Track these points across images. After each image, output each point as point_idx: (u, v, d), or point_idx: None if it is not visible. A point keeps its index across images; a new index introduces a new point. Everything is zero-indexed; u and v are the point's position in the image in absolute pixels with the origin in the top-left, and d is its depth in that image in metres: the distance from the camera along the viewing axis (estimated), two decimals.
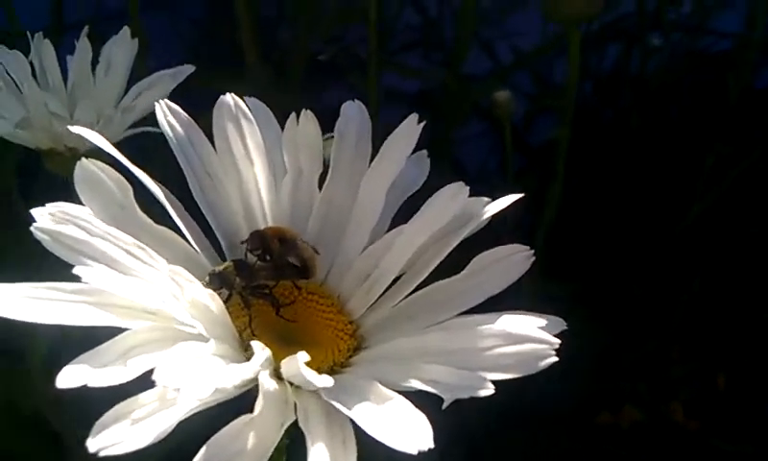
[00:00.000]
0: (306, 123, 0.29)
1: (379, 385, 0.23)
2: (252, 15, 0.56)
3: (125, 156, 0.26)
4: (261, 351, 0.23)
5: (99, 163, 0.26)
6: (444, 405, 0.22)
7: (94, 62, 0.40)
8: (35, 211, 0.24)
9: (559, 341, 0.23)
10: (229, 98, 0.28)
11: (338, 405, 0.22)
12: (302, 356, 0.23)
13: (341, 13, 0.68)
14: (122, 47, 0.40)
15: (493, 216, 0.27)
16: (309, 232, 0.29)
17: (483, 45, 0.75)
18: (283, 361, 0.23)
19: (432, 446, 0.21)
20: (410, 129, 0.28)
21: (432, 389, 0.23)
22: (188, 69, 0.40)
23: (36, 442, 0.38)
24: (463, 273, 0.27)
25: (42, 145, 0.39)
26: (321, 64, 0.71)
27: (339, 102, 0.29)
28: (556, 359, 0.23)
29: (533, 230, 0.52)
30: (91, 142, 0.26)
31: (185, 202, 0.27)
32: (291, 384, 0.24)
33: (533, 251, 0.26)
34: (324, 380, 0.23)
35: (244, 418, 0.22)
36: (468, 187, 0.27)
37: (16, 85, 0.38)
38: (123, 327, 0.23)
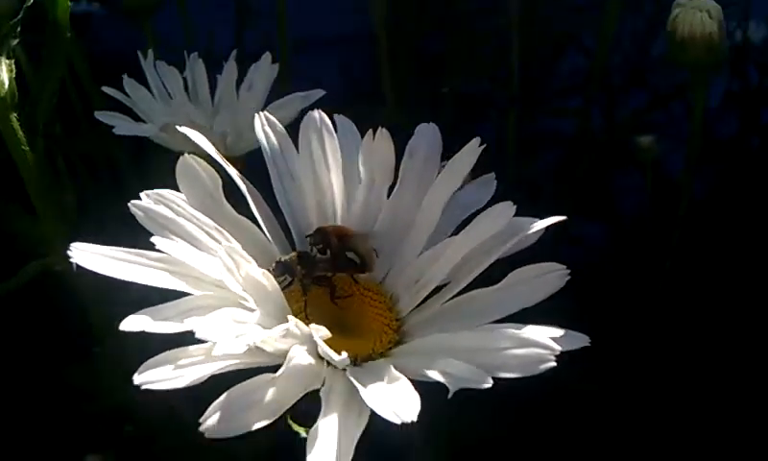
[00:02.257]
0: (381, 139, 0.32)
1: (393, 369, 0.26)
2: (396, 64, 0.61)
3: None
4: (295, 325, 0.26)
5: (197, 159, 0.31)
6: (450, 394, 0.24)
7: (240, 83, 0.46)
8: (142, 194, 0.29)
9: (559, 348, 0.24)
10: (317, 113, 0.32)
11: (353, 379, 0.25)
12: (322, 332, 0.26)
13: (494, 56, 0.71)
14: (263, 71, 0.46)
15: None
16: (375, 235, 0.32)
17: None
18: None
19: (414, 419, 0.23)
20: (471, 151, 0.31)
21: (442, 379, 0.25)
22: (318, 93, 0.44)
23: None
24: (500, 284, 0.29)
25: (186, 149, 0.45)
26: (471, 104, 0.74)
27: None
28: (554, 364, 0.24)
29: None
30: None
31: (267, 200, 0.32)
32: (329, 363, 0.27)
33: (568, 270, 0.28)
34: (340, 358, 0.25)
35: (267, 376, 0.25)
36: (515, 207, 0.29)
37: (168, 95, 0.44)
38: (190, 292, 0.27)
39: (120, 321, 0.25)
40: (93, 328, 0.42)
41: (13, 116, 0.38)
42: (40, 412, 0.40)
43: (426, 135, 0.32)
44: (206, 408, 0.24)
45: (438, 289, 0.30)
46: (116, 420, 0.44)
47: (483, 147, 0.30)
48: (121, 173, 0.57)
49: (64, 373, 0.43)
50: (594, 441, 0.46)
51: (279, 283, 0.29)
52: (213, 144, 0.43)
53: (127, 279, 0.27)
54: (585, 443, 0.46)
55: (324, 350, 0.26)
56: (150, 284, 0.27)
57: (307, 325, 0.29)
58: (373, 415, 0.24)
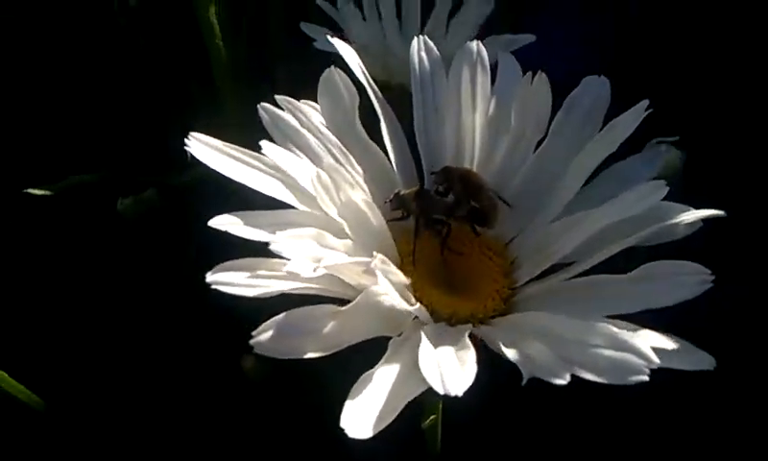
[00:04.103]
0: (540, 86, 0.28)
1: (467, 337, 0.23)
2: None
3: None
4: (380, 261, 0.24)
5: (341, 73, 0.29)
6: (523, 382, 0.21)
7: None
8: (277, 98, 0.28)
9: (658, 361, 0.20)
10: (474, 45, 0.29)
11: (423, 334, 0.23)
12: (396, 275, 0.23)
13: None
14: (478, 4, 0.43)
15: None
16: (511, 191, 0.29)
17: None
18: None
19: (459, 395, 0.20)
20: (636, 113, 0.26)
21: (518, 360, 0.22)
22: (528, 38, 0.41)
23: None
24: (631, 274, 0.24)
25: (377, 76, 0.44)
26: None
27: None
28: (646, 379, 0.20)
29: None
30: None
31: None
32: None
33: (713, 277, 0.23)
34: (413, 307, 0.23)
35: (334, 306, 0.23)
36: (668, 188, 0.24)
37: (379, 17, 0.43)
38: (293, 205, 0.26)
39: None
40: None
41: (213, 10, 0.40)
42: (194, 316, 0.41)
43: (594, 89, 0.28)
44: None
45: (562, 267, 0.26)
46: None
47: (650, 111, 0.26)
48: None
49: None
50: None
51: (394, 218, 0.27)
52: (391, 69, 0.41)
53: (237, 179, 0.26)
54: None
55: (398, 296, 0.23)
56: (258, 189, 0.27)
57: (410, 270, 0.27)
58: None
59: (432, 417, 0.28)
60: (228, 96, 0.41)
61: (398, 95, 0.39)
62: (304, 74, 0.32)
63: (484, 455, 0.34)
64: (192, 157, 0.27)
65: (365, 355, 0.24)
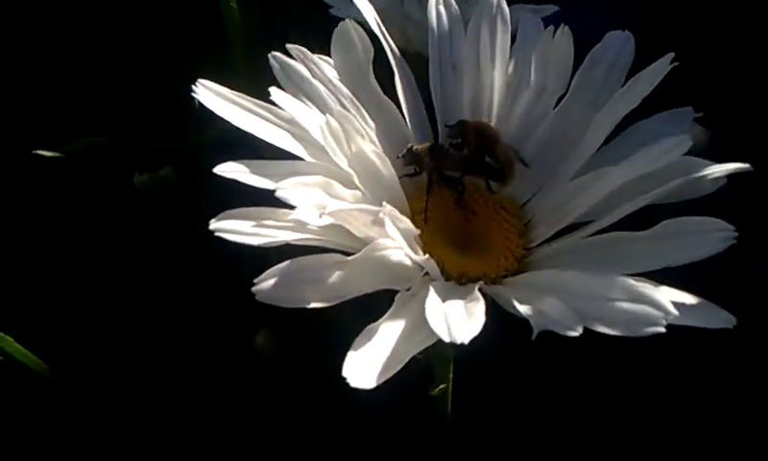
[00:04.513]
0: (561, 39, 0.27)
1: (477, 290, 0.22)
2: None
3: None
4: (389, 212, 0.23)
5: (356, 25, 0.28)
6: (533, 335, 0.20)
7: None
8: (289, 47, 0.28)
9: (676, 313, 0.19)
10: None
11: (431, 288, 0.22)
12: (407, 226, 0.22)
13: None
14: None
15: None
16: (529, 150, 0.28)
17: None
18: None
19: (465, 342, 0.19)
20: (660, 67, 0.25)
21: (529, 315, 0.21)
22: (551, 8, 0.40)
23: None
24: (648, 231, 0.23)
25: (396, 43, 0.43)
26: None
27: None
28: (663, 330, 0.19)
29: None
30: None
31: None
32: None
33: (736, 233, 0.22)
34: (422, 258, 0.22)
35: (339, 256, 0.22)
36: (692, 143, 0.23)
37: None
38: (302, 157, 0.25)
39: None
40: None
41: None
42: (212, 291, 0.40)
43: (616, 44, 0.27)
44: None
45: (580, 227, 0.25)
46: None
47: (675, 65, 0.25)
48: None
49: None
50: None
51: (407, 174, 0.26)
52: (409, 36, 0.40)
53: (246, 129, 0.26)
54: None
55: (408, 248, 0.22)
56: (267, 140, 0.26)
57: (421, 227, 0.26)
58: None
59: (442, 386, 0.27)
60: (240, 59, 0.40)
61: (415, 63, 0.38)
62: (319, 40, 0.31)
63: (494, 414, 0.33)
64: (200, 104, 0.26)
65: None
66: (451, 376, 0.27)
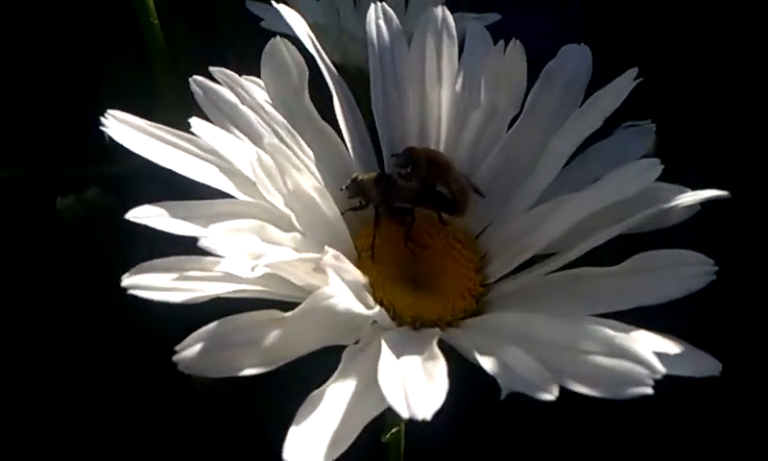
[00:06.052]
0: (513, 55, 0.25)
1: (435, 345, 0.19)
2: None
3: None
4: (333, 256, 0.20)
5: (288, 44, 0.26)
6: (502, 397, 0.18)
7: None
8: (212, 69, 0.25)
9: (664, 370, 0.17)
10: (439, 11, 0.26)
11: (383, 343, 0.19)
12: (353, 273, 0.20)
13: None
14: None
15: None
16: (482, 177, 0.25)
17: None
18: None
19: (427, 419, 0.16)
20: (624, 83, 0.23)
21: (496, 372, 0.18)
22: (494, 17, 0.38)
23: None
24: (620, 266, 0.21)
25: (333, 58, 0.40)
26: None
27: None
28: (650, 392, 0.17)
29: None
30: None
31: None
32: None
33: (716, 268, 0.20)
34: (373, 311, 0.20)
35: (274, 312, 0.20)
36: (663, 167, 0.21)
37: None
38: (232, 194, 0.22)
39: None
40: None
41: None
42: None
43: (573, 59, 0.25)
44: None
45: (541, 259, 0.23)
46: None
47: (639, 80, 0.23)
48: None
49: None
50: None
51: (351, 208, 0.23)
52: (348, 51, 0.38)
53: (165, 165, 0.23)
54: None
55: (353, 297, 0.20)
56: (190, 177, 0.23)
57: (369, 266, 0.23)
58: None
59: (394, 429, 0.25)
60: (164, 82, 0.37)
61: (357, 79, 0.35)
62: (253, 56, 0.28)
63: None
64: (111, 139, 0.23)
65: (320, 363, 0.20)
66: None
